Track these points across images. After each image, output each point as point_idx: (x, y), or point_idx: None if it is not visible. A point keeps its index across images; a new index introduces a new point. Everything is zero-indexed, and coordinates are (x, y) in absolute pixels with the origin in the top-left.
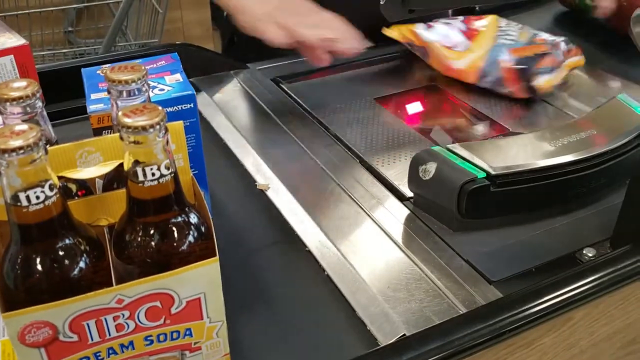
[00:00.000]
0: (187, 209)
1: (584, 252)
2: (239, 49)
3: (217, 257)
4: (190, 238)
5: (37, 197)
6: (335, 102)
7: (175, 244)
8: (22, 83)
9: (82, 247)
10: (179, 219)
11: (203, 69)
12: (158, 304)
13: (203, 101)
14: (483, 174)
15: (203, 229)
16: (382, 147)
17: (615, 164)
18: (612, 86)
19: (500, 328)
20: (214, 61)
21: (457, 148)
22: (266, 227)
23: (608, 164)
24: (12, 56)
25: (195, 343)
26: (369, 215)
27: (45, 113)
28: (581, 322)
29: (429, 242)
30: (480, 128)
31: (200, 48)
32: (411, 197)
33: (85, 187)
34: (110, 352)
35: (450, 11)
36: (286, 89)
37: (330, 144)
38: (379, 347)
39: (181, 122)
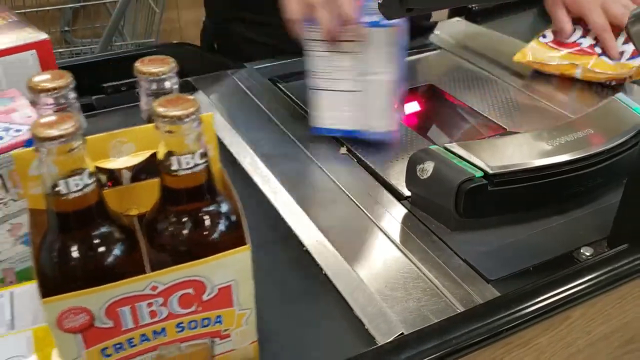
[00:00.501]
0: (218, 199)
1: (582, 251)
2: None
3: (249, 245)
4: (222, 227)
5: (76, 185)
6: None
7: (207, 233)
8: (55, 74)
9: (117, 235)
10: (211, 208)
11: (200, 68)
12: (191, 291)
13: (200, 101)
14: (481, 173)
15: (233, 218)
16: (380, 146)
17: (612, 163)
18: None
19: (498, 327)
20: (211, 60)
21: (455, 147)
22: (264, 226)
23: (605, 164)
24: (34, 51)
25: (224, 330)
26: (366, 214)
27: (78, 104)
28: (578, 321)
29: (427, 241)
30: (478, 127)
31: (197, 47)
32: (409, 197)
33: (114, 177)
34: (143, 338)
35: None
36: (283, 89)
37: (328, 142)
38: (376, 346)
39: (212, 113)
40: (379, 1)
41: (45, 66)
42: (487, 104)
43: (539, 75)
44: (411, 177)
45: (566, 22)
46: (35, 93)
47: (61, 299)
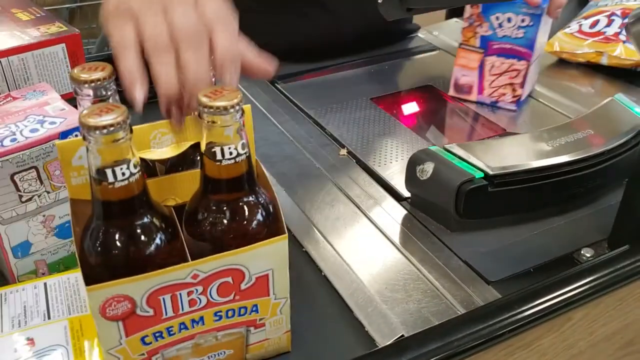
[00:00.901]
0: (257, 189)
1: (582, 252)
2: None
3: (286, 234)
4: (261, 216)
5: (122, 174)
6: (331, 102)
7: (247, 222)
8: (97, 66)
9: (160, 224)
10: (251, 198)
11: None
12: (230, 279)
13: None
14: (481, 174)
15: (271, 208)
16: (379, 146)
17: (612, 164)
18: (609, 86)
19: (499, 329)
20: None
21: (455, 148)
22: None
23: (605, 165)
24: (64, 44)
25: (260, 319)
26: (366, 215)
27: (118, 97)
28: (580, 323)
29: (427, 243)
30: (476, 128)
31: None
32: (408, 197)
33: (148, 168)
34: (182, 327)
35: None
36: (282, 89)
37: (327, 143)
38: (377, 348)
39: (249, 105)
40: (379, 1)
41: (74, 60)
42: (486, 104)
43: (538, 75)
44: (411, 178)
45: None
46: (77, 84)
47: (105, 287)
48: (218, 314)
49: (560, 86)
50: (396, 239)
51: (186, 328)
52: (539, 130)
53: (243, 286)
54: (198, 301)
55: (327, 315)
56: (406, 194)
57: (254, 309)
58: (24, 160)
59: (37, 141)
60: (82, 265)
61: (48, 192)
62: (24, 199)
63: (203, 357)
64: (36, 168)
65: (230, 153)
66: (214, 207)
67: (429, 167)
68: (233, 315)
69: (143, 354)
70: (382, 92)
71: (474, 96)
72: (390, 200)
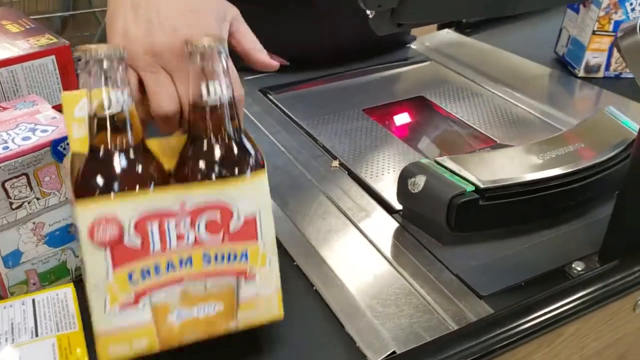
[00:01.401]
0: (242, 135)
1: (573, 266)
2: None
3: (265, 170)
4: (249, 159)
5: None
6: (323, 113)
7: (233, 162)
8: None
9: (154, 163)
10: (236, 139)
11: None
12: (217, 216)
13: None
14: (472, 188)
15: (256, 153)
16: (370, 158)
17: (603, 177)
18: (600, 99)
19: (491, 345)
20: None
21: (446, 161)
22: None
23: (596, 178)
24: (53, 56)
25: (250, 269)
26: (357, 228)
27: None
28: (572, 338)
29: (419, 256)
30: (468, 139)
31: None
32: (400, 210)
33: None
34: (170, 266)
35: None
36: (274, 100)
37: (319, 155)
38: None
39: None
40: (370, 16)
41: (64, 72)
42: (478, 115)
43: (529, 86)
44: (402, 191)
45: None
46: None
47: (94, 202)
48: (207, 256)
49: (551, 97)
50: (388, 252)
51: (174, 268)
52: (530, 143)
53: (232, 227)
54: (186, 236)
55: (318, 330)
56: (398, 206)
57: (243, 255)
58: (16, 167)
59: (30, 149)
60: (75, 183)
61: (38, 199)
62: (14, 206)
63: (192, 308)
64: (27, 175)
65: (216, 91)
66: (201, 145)
67: (420, 180)
68: (222, 261)
69: (130, 294)
70: (374, 103)
71: (601, 73)
72: (382, 213)
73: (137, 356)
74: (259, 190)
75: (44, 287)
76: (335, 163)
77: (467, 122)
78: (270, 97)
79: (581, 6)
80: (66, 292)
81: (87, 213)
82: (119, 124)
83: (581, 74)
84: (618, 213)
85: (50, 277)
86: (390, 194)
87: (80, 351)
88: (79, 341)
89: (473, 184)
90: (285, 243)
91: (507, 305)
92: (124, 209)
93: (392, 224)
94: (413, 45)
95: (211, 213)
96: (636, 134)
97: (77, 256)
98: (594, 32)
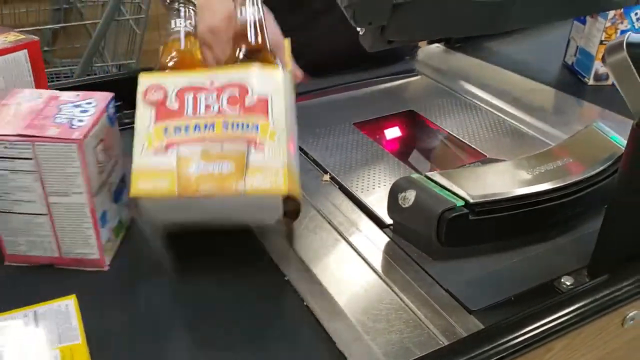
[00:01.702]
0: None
1: (562, 280)
2: None
3: (279, 68)
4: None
5: None
6: (314, 126)
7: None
8: None
9: (196, 60)
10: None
11: None
12: (237, 92)
13: None
14: (462, 202)
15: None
16: (361, 172)
17: (591, 191)
18: (588, 113)
19: None
20: None
21: (436, 176)
22: (245, 255)
23: (585, 192)
24: (26, 50)
25: (260, 139)
26: (348, 242)
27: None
28: (561, 352)
29: (409, 271)
30: (458, 154)
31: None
32: (390, 225)
33: None
34: (197, 128)
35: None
36: None
37: (310, 169)
38: None
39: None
40: (360, 33)
41: (35, 66)
42: (467, 130)
43: (518, 101)
44: (393, 206)
45: None
46: None
47: (150, 76)
48: (226, 123)
49: (540, 112)
50: (378, 267)
51: (199, 130)
52: (519, 158)
53: (247, 102)
54: (212, 107)
55: (309, 345)
56: (389, 220)
57: (255, 127)
58: (97, 134)
59: (97, 117)
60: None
61: (107, 162)
62: (99, 170)
63: (209, 163)
64: (102, 140)
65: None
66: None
67: (410, 195)
68: (237, 128)
69: (162, 142)
70: (365, 117)
71: (610, 81)
72: (372, 227)
73: (158, 195)
74: (272, 79)
75: (114, 243)
76: (326, 177)
77: (457, 136)
78: None
79: (588, 17)
80: (68, 304)
81: (143, 82)
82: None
83: (591, 82)
84: (606, 227)
85: (117, 233)
86: (380, 209)
87: None
88: (82, 353)
89: (463, 198)
90: (276, 258)
91: (497, 320)
92: (170, 81)
93: (382, 239)
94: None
95: (232, 90)
96: (623, 149)
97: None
98: (601, 42)
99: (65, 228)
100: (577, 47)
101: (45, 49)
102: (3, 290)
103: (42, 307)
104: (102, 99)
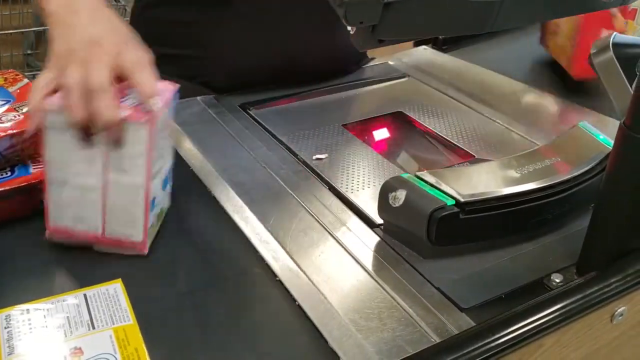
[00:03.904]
0: None
1: (552, 277)
2: None
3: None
4: None
5: None
6: (303, 128)
7: None
8: None
9: None
10: None
11: None
12: None
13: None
14: (452, 202)
15: None
16: (350, 173)
17: (579, 190)
18: (573, 113)
19: (474, 357)
20: (180, 87)
21: (426, 175)
22: (236, 256)
23: (572, 191)
24: None
25: None
26: (339, 242)
27: None
28: (552, 349)
29: (400, 270)
30: (446, 154)
31: (165, 74)
32: (381, 224)
33: None
34: None
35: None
36: (254, 115)
37: (299, 170)
38: None
39: None
40: (351, 32)
41: None
42: (455, 130)
43: (505, 102)
44: (383, 205)
45: None
46: None
47: None
48: None
49: (527, 113)
50: (369, 266)
51: None
52: (508, 158)
53: None
54: None
55: (301, 345)
56: (379, 220)
57: None
58: (163, 121)
59: (165, 105)
60: None
61: (165, 149)
62: (159, 156)
63: None
64: (165, 128)
65: None
66: None
67: (401, 195)
68: None
69: None
70: (353, 118)
71: None
72: (363, 227)
73: None
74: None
75: (154, 229)
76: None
77: (446, 137)
78: (251, 112)
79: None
80: (116, 287)
81: None
82: None
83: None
84: (594, 225)
85: (158, 219)
86: (371, 209)
87: (138, 342)
88: (135, 333)
89: (453, 197)
90: (268, 259)
91: (488, 318)
92: None
93: (373, 238)
94: (390, 62)
95: None
96: (610, 147)
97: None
98: None
99: (116, 207)
100: None
101: (29, 52)
102: (46, 276)
103: (90, 291)
104: (167, 89)
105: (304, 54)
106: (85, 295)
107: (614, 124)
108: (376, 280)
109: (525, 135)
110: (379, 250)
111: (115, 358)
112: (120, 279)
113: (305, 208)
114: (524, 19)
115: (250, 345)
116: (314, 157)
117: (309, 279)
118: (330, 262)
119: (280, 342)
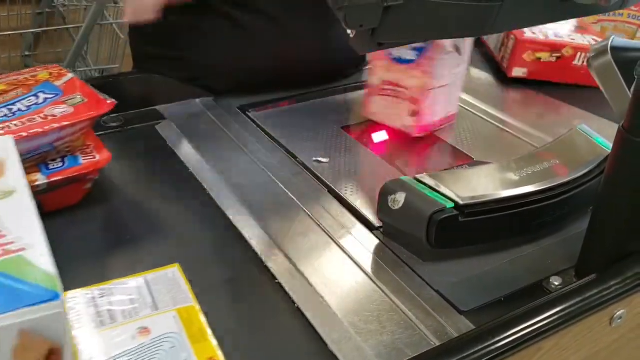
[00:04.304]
0: None
1: (551, 280)
2: None
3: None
4: None
5: None
6: (302, 130)
7: None
8: None
9: None
10: None
11: (167, 96)
12: None
13: (168, 129)
14: (451, 204)
15: None
16: (350, 175)
17: (578, 193)
18: (571, 116)
19: None
20: (179, 88)
21: (426, 178)
22: (234, 258)
23: (571, 194)
24: None
25: None
26: (338, 245)
27: None
28: (551, 352)
29: (399, 273)
30: (445, 157)
31: (164, 76)
32: (380, 227)
33: None
34: None
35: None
36: (253, 117)
37: (298, 172)
38: None
39: None
40: (351, 36)
41: None
42: (454, 133)
43: (504, 105)
44: (383, 208)
45: None
46: None
47: None
48: None
49: (525, 115)
50: (369, 269)
51: None
52: (507, 161)
53: None
54: None
55: (300, 348)
56: (378, 223)
57: None
58: None
59: None
60: None
61: None
62: None
63: None
64: None
65: None
66: None
67: (400, 197)
68: None
69: None
70: (353, 120)
71: None
72: (362, 230)
73: None
74: None
75: None
76: (323, 159)
77: (444, 140)
78: (250, 114)
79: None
80: (173, 271)
81: None
82: None
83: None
84: (593, 228)
85: None
86: (370, 211)
87: (201, 322)
88: (196, 314)
89: (453, 200)
90: (267, 261)
91: (488, 321)
92: None
93: (372, 241)
94: None
95: None
96: (608, 150)
97: None
98: None
99: None
100: None
101: (27, 53)
102: (102, 261)
103: (150, 275)
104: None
105: (303, 57)
106: (145, 279)
107: (612, 127)
108: (375, 283)
109: (523, 138)
110: (378, 252)
111: (182, 337)
112: (177, 264)
113: (304, 210)
114: (522, 22)
115: (248, 347)
116: (314, 159)
117: (308, 281)
118: (330, 264)
119: (279, 345)
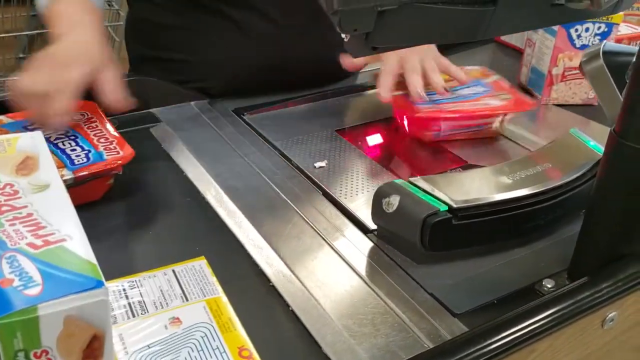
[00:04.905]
0: None
1: (543, 283)
2: None
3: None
4: None
5: None
6: (297, 133)
7: None
8: None
9: None
10: None
11: (162, 99)
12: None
13: (163, 132)
14: (445, 207)
15: None
16: (344, 178)
17: (570, 196)
18: (564, 120)
19: None
20: (174, 91)
21: (419, 181)
22: (229, 261)
23: (564, 197)
24: None
25: None
26: (332, 248)
27: None
28: (545, 354)
29: (393, 275)
30: (439, 160)
31: (159, 79)
32: (374, 230)
33: None
34: None
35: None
36: (248, 121)
37: (293, 175)
38: None
39: None
40: (345, 40)
41: None
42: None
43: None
44: (377, 211)
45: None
46: None
47: None
48: None
49: (518, 119)
50: (363, 271)
51: None
52: (500, 164)
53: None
54: None
55: (295, 351)
56: (372, 226)
57: None
58: None
59: None
60: None
61: None
62: None
63: None
64: None
65: None
66: None
67: (394, 200)
68: None
69: None
70: (347, 124)
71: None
72: (356, 233)
73: None
74: None
75: None
76: (321, 163)
77: (438, 143)
78: (245, 118)
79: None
80: (201, 264)
81: None
82: None
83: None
84: (585, 231)
85: None
86: (364, 214)
87: (229, 313)
88: (224, 305)
89: (446, 203)
90: (261, 264)
91: (481, 323)
92: None
93: (366, 244)
94: None
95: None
96: (600, 154)
97: None
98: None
99: None
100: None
101: (21, 55)
102: (129, 255)
103: (178, 267)
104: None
105: (298, 60)
106: (174, 271)
107: (604, 131)
108: (369, 286)
109: (517, 141)
110: (372, 255)
111: (212, 326)
112: (203, 257)
113: (298, 213)
114: (516, 27)
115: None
116: (315, 165)
117: (303, 284)
118: (324, 267)
119: (273, 347)
